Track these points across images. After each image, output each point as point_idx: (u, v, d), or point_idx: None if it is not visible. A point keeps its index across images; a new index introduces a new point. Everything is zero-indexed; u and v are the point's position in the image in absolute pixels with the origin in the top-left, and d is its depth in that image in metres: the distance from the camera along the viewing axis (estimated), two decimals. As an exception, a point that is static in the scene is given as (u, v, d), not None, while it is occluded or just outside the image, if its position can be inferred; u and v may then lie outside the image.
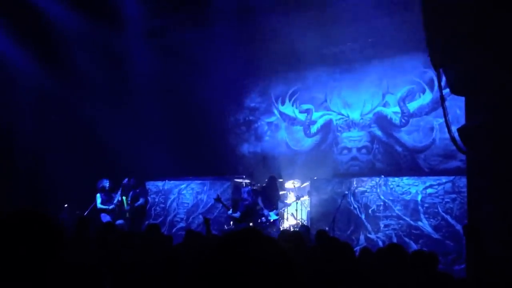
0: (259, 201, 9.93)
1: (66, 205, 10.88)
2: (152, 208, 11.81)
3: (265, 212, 9.86)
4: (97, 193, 10.31)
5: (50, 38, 11.32)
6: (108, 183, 10.35)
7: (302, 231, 6.89)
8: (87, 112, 11.80)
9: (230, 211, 10.03)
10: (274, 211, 9.98)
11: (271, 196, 10.06)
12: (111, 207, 10.15)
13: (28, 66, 11.54)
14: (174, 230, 11.46)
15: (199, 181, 11.77)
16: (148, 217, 11.48)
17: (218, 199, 9.94)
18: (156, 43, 12.32)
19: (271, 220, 9.89)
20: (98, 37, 11.51)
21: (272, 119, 13.30)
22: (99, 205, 10.18)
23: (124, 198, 10.66)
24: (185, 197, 11.49)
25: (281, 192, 11.04)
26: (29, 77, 11.74)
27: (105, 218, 9.94)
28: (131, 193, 10.67)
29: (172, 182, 11.91)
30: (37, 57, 11.53)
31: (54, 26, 11.26)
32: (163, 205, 11.79)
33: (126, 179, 10.59)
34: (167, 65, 12.56)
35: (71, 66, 11.58)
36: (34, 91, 12.07)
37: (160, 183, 11.95)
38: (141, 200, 10.51)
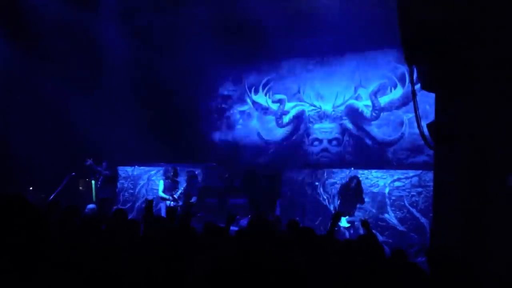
0: (337, 202, 8.85)
1: (31, 188, 10.62)
2: (121, 194, 11.65)
3: None
4: (161, 179, 9.88)
5: (19, 17, 10.91)
6: (172, 171, 9.79)
7: (272, 220, 6.92)
8: (55, 93, 11.47)
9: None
10: (348, 217, 8.55)
11: (350, 200, 8.68)
12: (172, 198, 9.48)
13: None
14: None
15: (169, 168, 11.64)
16: (116, 203, 11.33)
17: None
18: (129, 25, 12.06)
19: (342, 227, 8.48)
20: (69, 16, 11.16)
21: (245, 108, 13.28)
22: (160, 193, 9.63)
23: (93, 182, 10.45)
24: (154, 183, 11.34)
25: (252, 182, 11.05)
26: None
27: (163, 208, 9.40)
28: (101, 177, 10.49)
29: (141, 167, 11.75)
30: (4, 36, 11.13)
31: (24, 5, 10.86)
32: (132, 191, 11.63)
33: (99, 167, 10.34)
34: (140, 48, 12.33)
35: (41, 45, 11.21)
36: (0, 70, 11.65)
37: (129, 169, 11.77)
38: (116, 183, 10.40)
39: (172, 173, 9.77)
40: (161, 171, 10.17)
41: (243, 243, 3.26)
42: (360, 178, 9.24)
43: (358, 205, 8.75)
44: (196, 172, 10.48)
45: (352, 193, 8.75)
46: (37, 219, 1.75)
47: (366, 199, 9.07)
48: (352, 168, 9.86)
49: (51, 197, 9.78)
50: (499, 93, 4.83)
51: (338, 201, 8.88)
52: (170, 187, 9.65)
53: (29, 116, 11.53)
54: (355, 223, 8.69)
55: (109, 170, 10.58)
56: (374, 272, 2.72)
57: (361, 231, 9.01)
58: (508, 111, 4.74)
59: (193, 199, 9.66)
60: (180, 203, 9.55)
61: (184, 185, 9.75)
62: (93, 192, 10.35)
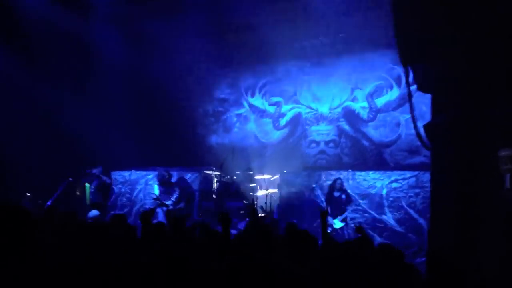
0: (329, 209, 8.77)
1: (28, 194, 10.57)
2: (118, 199, 11.62)
3: (329, 219, 8.51)
4: (155, 184, 9.82)
5: (12, 22, 10.88)
6: (166, 174, 9.70)
7: (270, 223, 6.92)
8: (50, 99, 11.43)
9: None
10: (339, 217, 8.70)
11: (338, 202, 8.82)
12: (168, 202, 9.41)
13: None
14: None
15: (166, 172, 11.63)
16: (113, 208, 11.30)
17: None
18: (124, 30, 12.06)
19: (337, 229, 8.65)
20: (63, 21, 11.14)
21: (241, 111, 13.29)
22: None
23: (87, 185, 10.39)
24: (152, 187, 11.33)
25: (251, 185, 11.05)
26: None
27: (161, 213, 9.33)
28: (95, 182, 10.43)
29: (139, 172, 11.71)
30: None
31: (16, 9, 10.83)
32: (129, 196, 11.59)
33: (93, 170, 10.35)
34: (135, 53, 12.32)
35: (33, 50, 11.17)
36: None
37: (126, 173, 11.73)
38: (113, 190, 10.39)
39: (166, 177, 9.72)
40: (158, 176, 10.11)
41: (240, 252, 3.26)
42: (357, 180, 9.31)
43: (348, 206, 8.81)
44: (187, 176, 10.48)
45: (339, 194, 8.82)
46: (34, 226, 1.76)
47: (363, 200, 9.08)
48: (350, 170, 9.87)
49: (49, 202, 9.74)
50: (495, 93, 4.85)
51: (328, 208, 8.81)
52: (165, 192, 9.61)
53: (25, 122, 11.50)
54: (348, 219, 8.74)
55: (106, 176, 10.55)
56: (370, 274, 2.73)
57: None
58: (504, 111, 4.75)
59: (181, 204, 9.60)
60: (181, 205, 9.57)
61: (177, 189, 9.74)
62: (87, 196, 10.28)
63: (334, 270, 2.55)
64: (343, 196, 8.81)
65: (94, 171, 10.42)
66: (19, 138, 11.12)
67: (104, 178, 10.52)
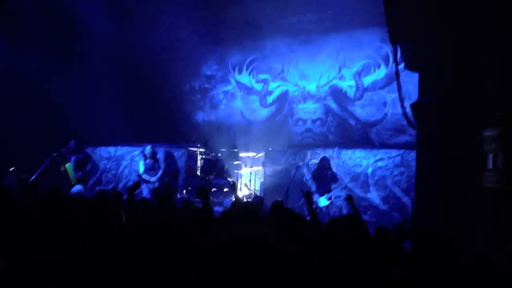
0: (314, 187, 8.77)
1: (12, 169, 10.42)
2: (103, 175, 11.55)
3: (315, 196, 8.48)
4: (140, 160, 9.72)
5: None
6: (150, 150, 9.60)
7: (255, 201, 6.93)
8: (35, 72, 11.22)
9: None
10: (326, 195, 8.60)
11: (322, 178, 8.73)
12: (153, 179, 9.37)
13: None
14: (125, 197, 11.26)
15: (152, 148, 11.56)
16: (98, 183, 11.23)
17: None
18: (110, 4, 11.79)
19: (321, 207, 8.50)
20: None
21: (228, 87, 13.20)
22: (142, 175, 9.49)
23: (68, 165, 10.25)
24: (137, 164, 11.28)
25: (235, 162, 11.05)
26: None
27: (146, 190, 9.31)
28: (73, 158, 10.23)
29: (124, 148, 11.64)
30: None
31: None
32: (115, 172, 11.54)
33: (65, 148, 10.16)
34: (121, 29, 12.09)
35: (19, 24, 10.93)
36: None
37: (112, 149, 11.65)
38: (89, 165, 10.20)
39: (151, 153, 9.66)
40: (143, 151, 10.04)
41: (224, 228, 3.26)
42: (343, 158, 9.37)
43: (333, 185, 8.79)
44: (173, 153, 10.42)
45: (326, 173, 8.77)
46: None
47: (349, 179, 9.13)
48: (336, 148, 9.91)
49: (32, 178, 9.62)
50: (481, 73, 4.86)
51: (315, 186, 8.83)
52: (150, 167, 9.56)
53: (9, 96, 11.28)
54: (332, 197, 8.77)
55: (81, 152, 10.30)
56: (358, 251, 2.74)
57: (344, 210, 9.14)
58: (489, 91, 4.77)
59: (165, 179, 9.56)
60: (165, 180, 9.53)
61: (163, 165, 9.71)
62: (71, 176, 10.11)
63: (323, 247, 2.56)
64: (329, 174, 8.85)
65: (71, 146, 10.22)
66: (4, 112, 10.92)
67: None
